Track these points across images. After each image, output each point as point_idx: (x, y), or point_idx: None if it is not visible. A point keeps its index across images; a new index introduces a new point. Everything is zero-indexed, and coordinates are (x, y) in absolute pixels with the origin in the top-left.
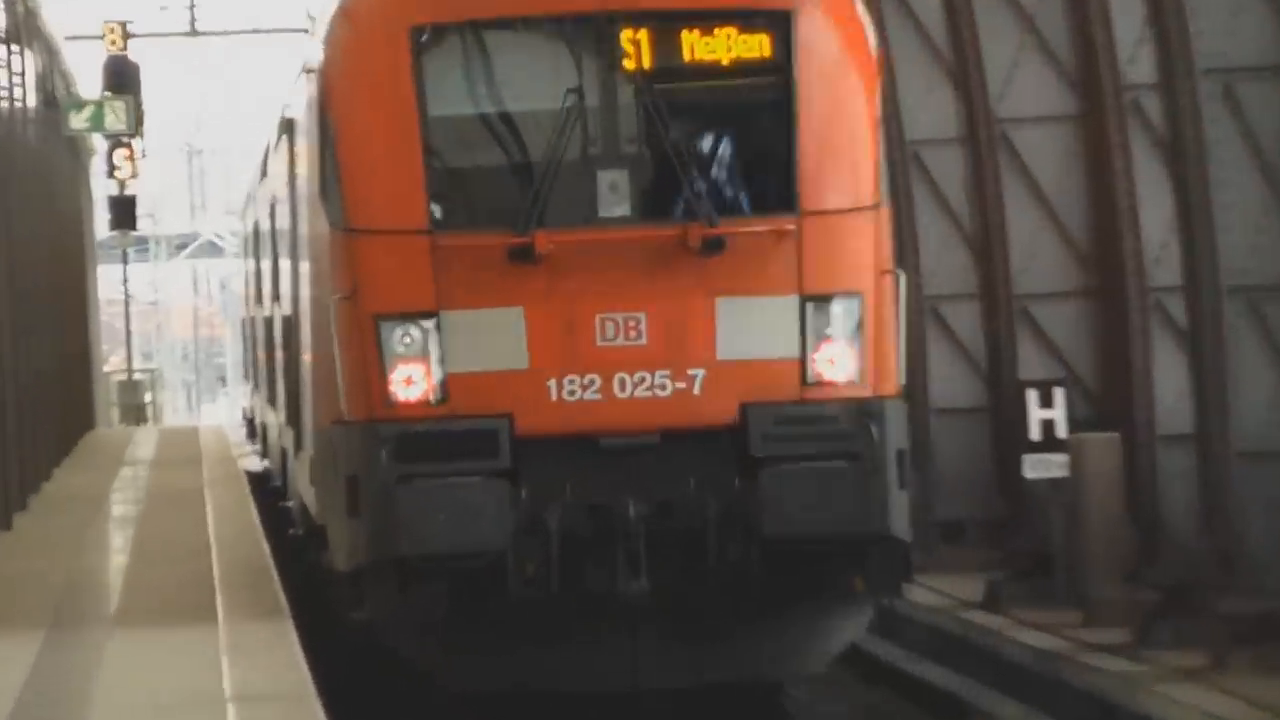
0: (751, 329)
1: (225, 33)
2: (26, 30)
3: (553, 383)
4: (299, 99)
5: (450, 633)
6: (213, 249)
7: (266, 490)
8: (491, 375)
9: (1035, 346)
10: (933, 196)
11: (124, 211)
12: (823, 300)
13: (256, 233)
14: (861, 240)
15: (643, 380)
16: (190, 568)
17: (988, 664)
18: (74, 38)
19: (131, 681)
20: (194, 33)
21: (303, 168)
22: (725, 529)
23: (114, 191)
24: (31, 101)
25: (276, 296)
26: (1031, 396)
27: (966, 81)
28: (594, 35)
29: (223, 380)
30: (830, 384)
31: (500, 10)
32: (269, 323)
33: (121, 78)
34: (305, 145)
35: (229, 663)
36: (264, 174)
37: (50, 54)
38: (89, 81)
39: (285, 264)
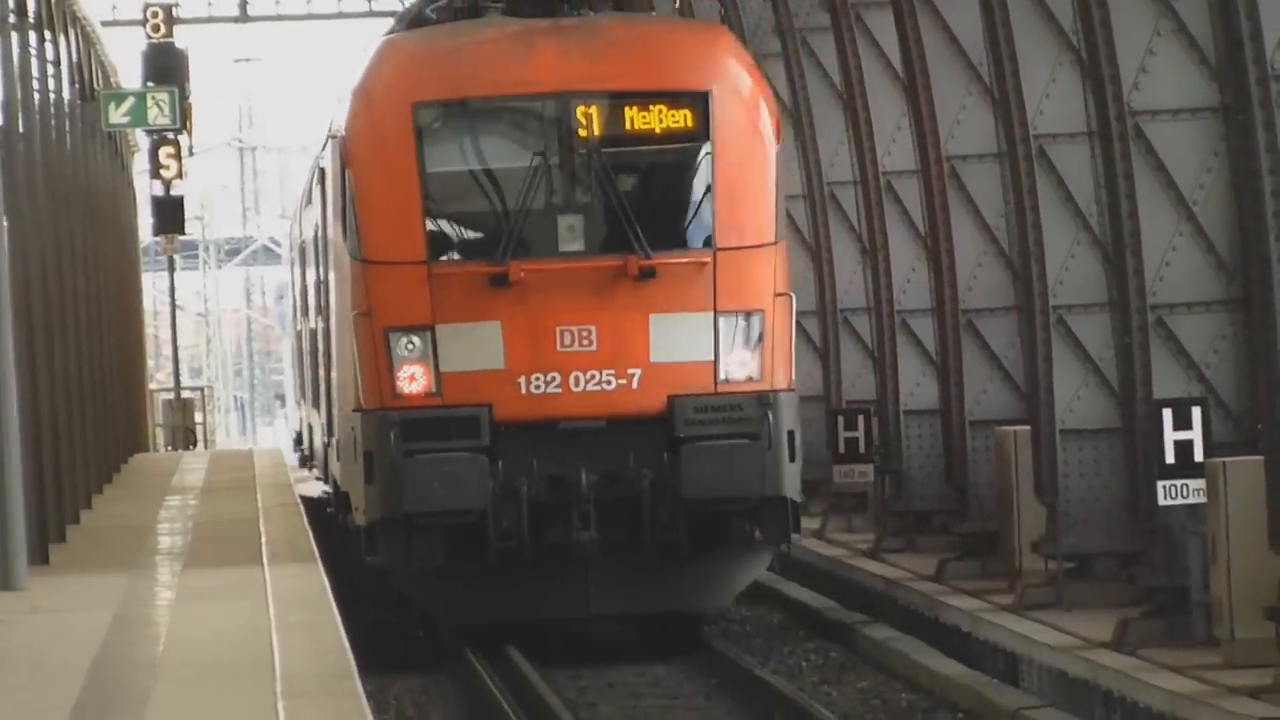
0: (677, 338)
1: (279, 18)
2: (60, 15)
3: (523, 380)
4: (327, 155)
5: (444, 575)
6: (267, 255)
7: (329, 520)
8: (475, 374)
9: (1171, 362)
10: (1059, 196)
11: (170, 214)
12: (732, 316)
13: (303, 251)
14: (762, 270)
15: (593, 378)
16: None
17: (1116, 710)
18: (112, 23)
19: None
20: (244, 18)
21: (330, 210)
22: (656, 493)
23: (159, 192)
24: (67, 94)
25: (318, 310)
26: (1166, 416)
27: (1097, 70)
28: (556, 111)
29: (280, 399)
30: (737, 381)
31: (483, 91)
32: (313, 334)
33: (165, 68)
34: (331, 192)
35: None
36: (308, 200)
37: (87, 41)
38: (130, 72)
39: (320, 284)
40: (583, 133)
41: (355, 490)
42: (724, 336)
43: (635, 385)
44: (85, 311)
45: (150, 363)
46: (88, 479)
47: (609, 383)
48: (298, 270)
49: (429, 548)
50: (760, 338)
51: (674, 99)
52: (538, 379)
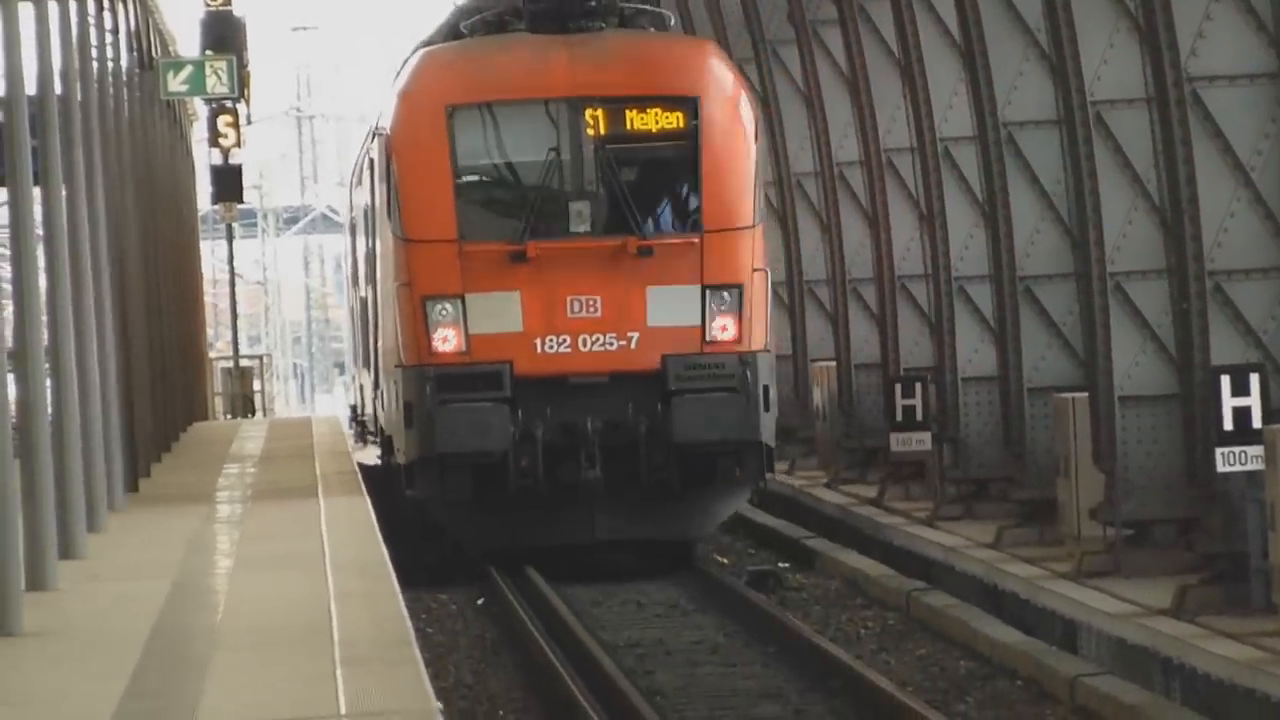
0: (670, 307)
1: None
2: None
3: (539, 341)
4: (375, 148)
5: (471, 506)
6: (326, 223)
7: (386, 486)
8: (499, 336)
9: (1229, 328)
10: (1116, 163)
11: (229, 183)
12: (716, 289)
13: (354, 227)
14: (743, 249)
15: (598, 340)
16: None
17: (1174, 677)
18: None
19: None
20: None
21: (377, 195)
22: (652, 438)
23: (217, 161)
24: (125, 63)
25: (368, 280)
26: (1224, 383)
27: (1154, 37)
28: (568, 113)
29: (340, 367)
30: (720, 343)
31: (506, 95)
32: (364, 302)
33: (223, 36)
34: (378, 180)
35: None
36: (358, 181)
37: (145, 10)
38: (188, 40)
39: (369, 258)
40: (590, 132)
41: (397, 434)
42: (710, 305)
43: (634, 346)
44: (144, 280)
45: (209, 331)
46: (147, 447)
47: (611, 344)
48: (352, 243)
49: (459, 483)
50: (740, 306)
51: (668, 103)
52: (551, 340)
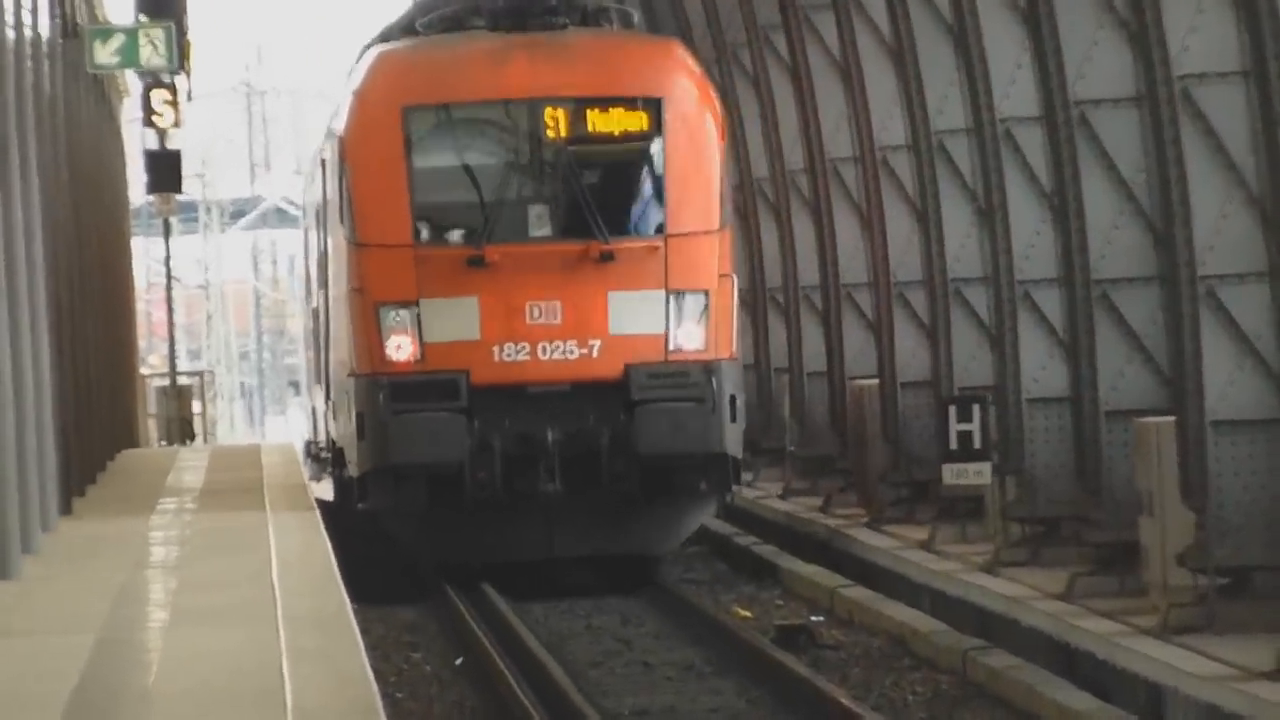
0: (632, 314)
1: None
2: None
3: (497, 349)
4: (328, 148)
5: (426, 520)
6: (280, 217)
7: (349, 525)
8: (455, 343)
9: None
10: (1208, 147)
11: (165, 170)
12: (681, 295)
13: (307, 231)
14: (707, 254)
15: (558, 348)
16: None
17: None
18: None
19: None
20: None
21: (330, 198)
22: (614, 449)
23: (152, 145)
24: (45, 30)
25: (322, 286)
26: None
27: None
28: (527, 114)
29: (295, 386)
30: (685, 351)
31: (464, 96)
32: (316, 314)
33: (161, 0)
34: (331, 182)
35: None
36: (312, 180)
37: None
38: (119, 5)
39: (323, 263)
40: (550, 133)
41: (349, 446)
42: (674, 312)
43: (596, 354)
44: (64, 284)
45: (142, 344)
46: (68, 479)
47: (572, 352)
48: (306, 244)
49: (413, 495)
50: (705, 313)
51: (630, 104)
52: (510, 348)
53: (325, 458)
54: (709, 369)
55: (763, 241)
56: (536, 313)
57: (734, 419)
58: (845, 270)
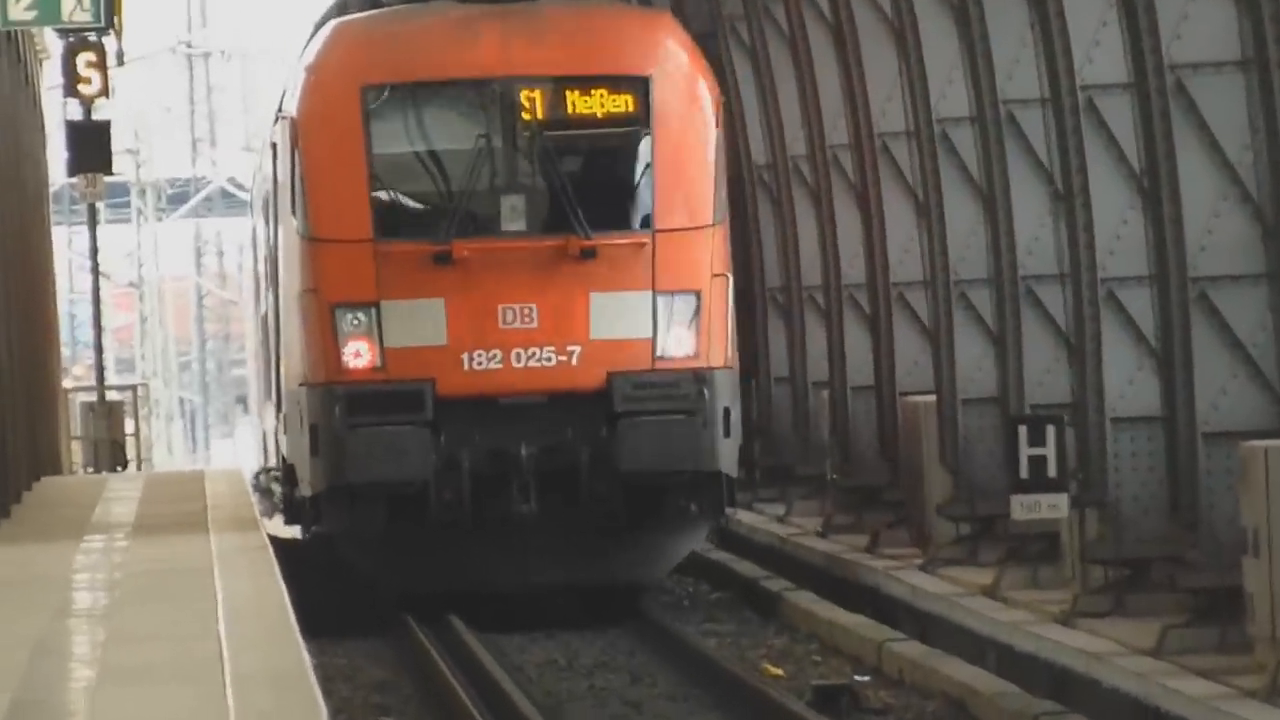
0: (616, 317)
1: None
2: None
3: (465, 356)
4: (278, 131)
5: (386, 544)
6: (228, 202)
7: (309, 567)
8: (419, 349)
9: None
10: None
11: (92, 147)
12: (670, 296)
13: (257, 225)
14: (700, 251)
15: (534, 354)
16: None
17: None
18: None
19: None
20: None
21: (281, 187)
22: (594, 467)
23: (76, 117)
24: None
25: (271, 285)
26: None
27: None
28: (500, 94)
29: (243, 402)
30: (674, 358)
31: (430, 74)
32: (265, 321)
33: None
34: (281, 170)
35: None
36: (261, 167)
37: None
38: None
39: (273, 260)
40: (526, 116)
41: (301, 463)
42: (662, 315)
43: (575, 362)
44: None
45: (65, 353)
46: None
47: (549, 359)
48: (256, 239)
49: (371, 517)
50: (696, 317)
51: (615, 84)
52: (480, 355)
53: (278, 488)
54: (701, 378)
55: (799, 233)
56: (510, 316)
57: (728, 434)
58: (897, 266)
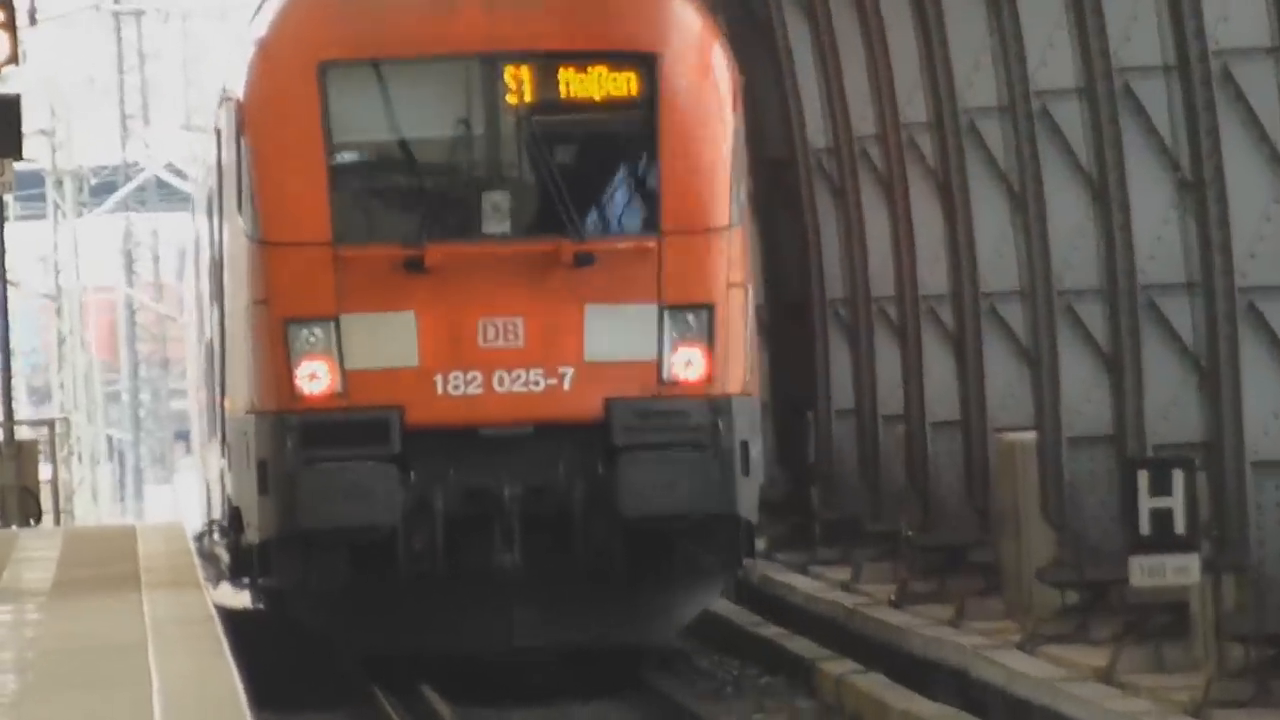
0: (616, 334)
1: None
2: None
3: (439, 379)
4: (223, 116)
5: (347, 600)
6: (164, 193)
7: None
8: (386, 372)
9: None
10: None
11: None
12: (679, 309)
13: (200, 227)
14: (714, 257)
15: (519, 377)
16: None
17: None
18: None
19: None
20: None
21: (226, 182)
22: (590, 510)
23: None
24: None
25: (215, 298)
26: None
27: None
28: (481, 73)
29: (184, 439)
30: (683, 383)
31: (399, 50)
32: (210, 347)
33: None
34: (226, 162)
35: None
36: (204, 159)
37: None
38: None
39: (216, 267)
40: (511, 98)
41: (248, 504)
42: (669, 332)
43: (567, 386)
44: None
45: None
46: None
47: (537, 383)
48: (199, 243)
49: (330, 569)
50: (711, 334)
51: (616, 61)
52: (456, 378)
53: (226, 546)
54: (714, 406)
55: (867, 231)
56: (491, 332)
57: (747, 471)
58: (987, 272)
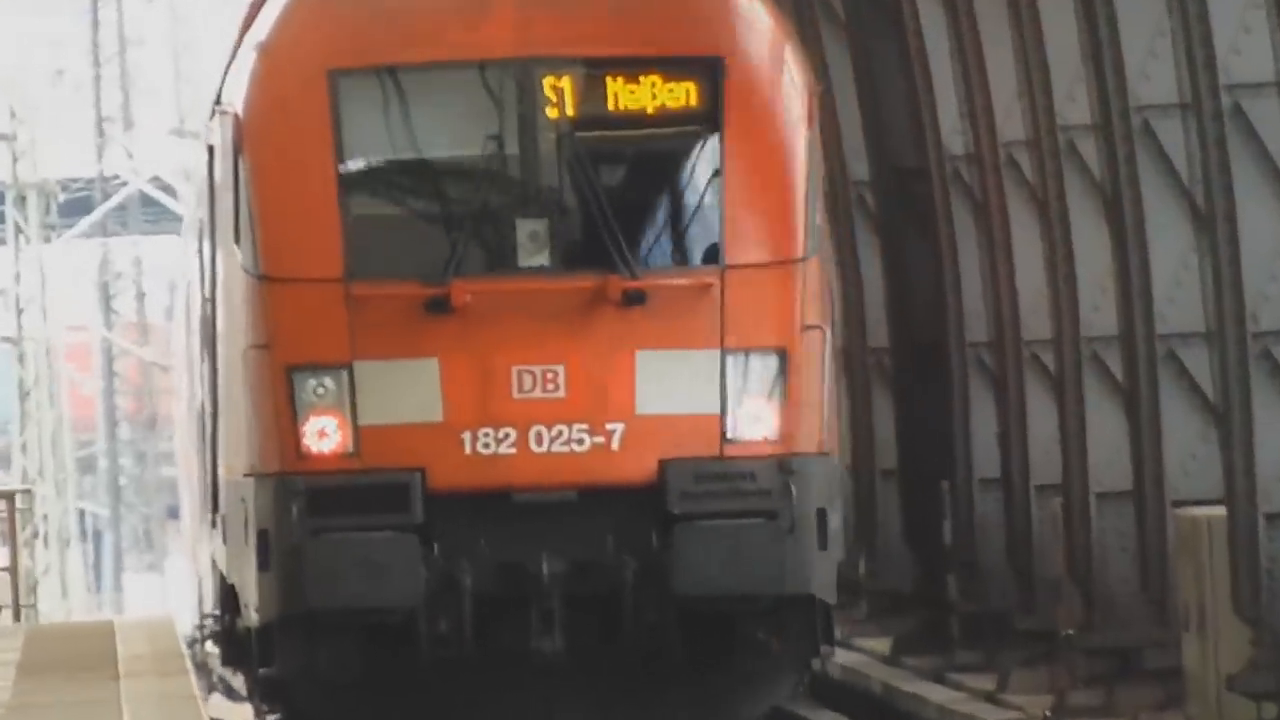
0: (671, 384)
1: None
2: None
3: (467, 435)
4: (217, 130)
5: (360, 692)
6: (150, 212)
7: None
8: (405, 428)
9: None
10: None
11: None
12: (744, 355)
13: (197, 255)
14: (785, 295)
15: (560, 434)
16: None
17: None
18: None
19: None
20: None
21: (221, 208)
22: (642, 589)
23: None
24: None
25: (208, 344)
26: None
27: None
28: (515, 82)
29: (174, 514)
30: (750, 441)
31: (421, 56)
32: (204, 410)
33: None
34: (221, 183)
35: None
36: (200, 180)
37: None
38: None
39: (209, 307)
40: (551, 112)
41: (246, 581)
42: (733, 382)
43: (616, 445)
44: None
45: None
46: None
47: (581, 441)
48: (200, 270)
49: (340, 656)
50: (783, 384)
51: (673, 68)
52: (486, 435)
53: (219, 631)
54: (785, 467)
55: (1015, 260)
56: (528, 382)
57: (824, 545)
58: (1165, 310)
